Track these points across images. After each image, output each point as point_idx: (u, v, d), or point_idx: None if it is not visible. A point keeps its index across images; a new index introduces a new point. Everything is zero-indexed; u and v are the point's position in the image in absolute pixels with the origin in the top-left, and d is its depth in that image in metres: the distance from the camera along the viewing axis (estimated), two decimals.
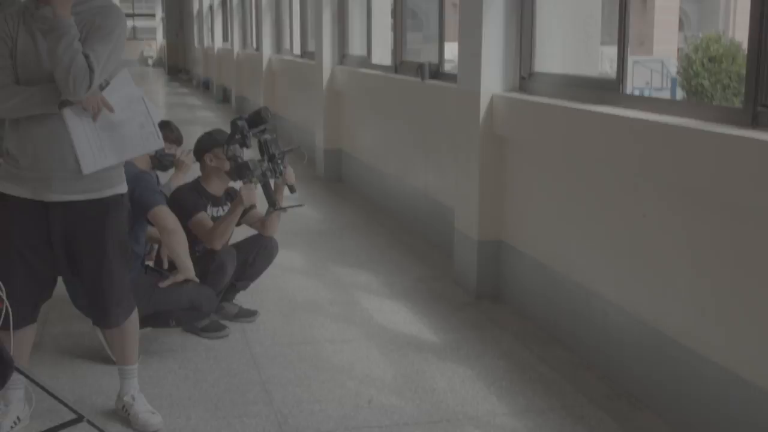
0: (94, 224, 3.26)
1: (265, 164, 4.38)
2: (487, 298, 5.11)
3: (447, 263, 5.71)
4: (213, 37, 22.42)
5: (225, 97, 19.21)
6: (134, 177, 3.78)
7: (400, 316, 4.86)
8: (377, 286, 5.43)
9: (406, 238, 6.67)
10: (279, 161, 4.42)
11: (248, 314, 4.77)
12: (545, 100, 4.59)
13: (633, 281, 3.81)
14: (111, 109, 3.18)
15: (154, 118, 3.33)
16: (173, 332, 4.45)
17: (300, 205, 4.75)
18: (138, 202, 3.85)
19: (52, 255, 3.27)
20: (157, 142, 3.36)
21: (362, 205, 7.94)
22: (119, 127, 3.22)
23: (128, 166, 3.55)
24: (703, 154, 3.27)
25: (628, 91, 4.26)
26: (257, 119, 4.42)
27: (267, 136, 4.44)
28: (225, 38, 20.61)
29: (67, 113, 3.12)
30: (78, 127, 3.14)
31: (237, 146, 4.40)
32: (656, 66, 20.98)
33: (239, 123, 4.37)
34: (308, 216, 7.34)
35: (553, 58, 5.03)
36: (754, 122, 3.20)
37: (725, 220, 3.23)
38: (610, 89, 4.16)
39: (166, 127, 4.48)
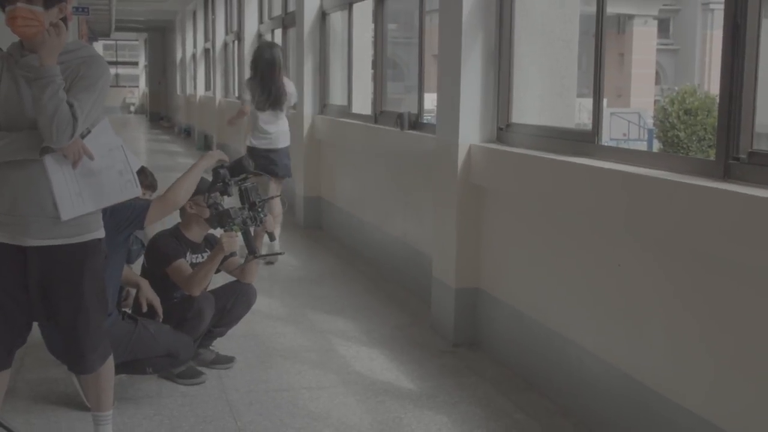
0: (72, 269, 3.26)
1: (246, 212, 4.42)
2: (465, 345, 5.13)
3: (425, 310, 5.73)
4: (195, 85, 22.54)
5: (206, 145, 19.28)
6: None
7: (377, 363, 4.86)
8: (355, 333, 5.43)
9: (385, 285, 6.69)
10: (259, 209, 4.47)
11: (225, 361, 4.76)
12: (522, 150, 4.66)
13: (608, 329, 3.85)
14: (91, 157, 3.20)
15: (133, 166, 3.36)
16: (149, 378, 4.42)
17: (280, 253, 4.79)
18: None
19: (27, 300, 3.26)
20: (134, 191, 3.39)
21: (341, 253, 7.96)
22: (98, 174, 3.24)
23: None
24: (676, 205, 3.33)
25: (604, 142, 4.34)
26: (238, 168, 4.47)
27: (248, 184, 4.49)
28: (207, 86, 20.73)
29: (48, 159, 3.14)
30: (57, 172, 3.16)
31: (218, 194, 4.45)
32: (633, 118, 21.28)
33: (221, 171, 4.42)
34: (287, 263, 7.35)
35: (530, 109, 5.12)
36: (726, 174, 3.27)
37: (698, 270, 3.29)
38: (585, 141, 4.24)
39: (140, 173, 4.52)
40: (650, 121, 20.39)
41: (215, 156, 4.08)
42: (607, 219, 3.82)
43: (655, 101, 23.58)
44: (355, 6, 8.26)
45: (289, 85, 7.90)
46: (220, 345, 4.85)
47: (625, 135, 20.40)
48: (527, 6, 5.03)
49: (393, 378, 4.64)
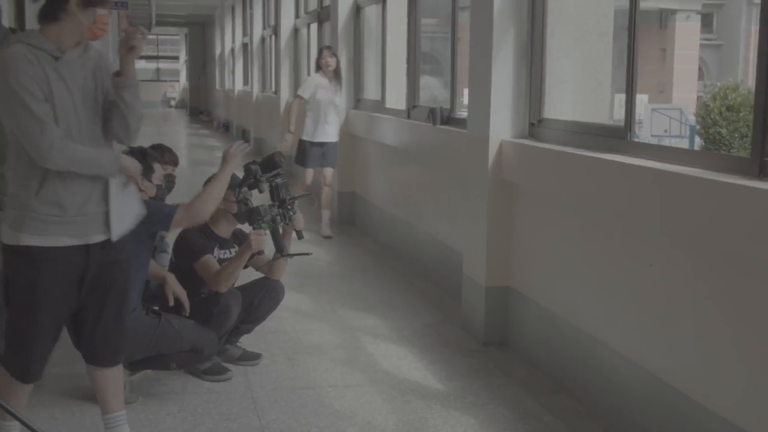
0: (126, 259, 3.35)
1: (276, 209, 4.38)
2: (494, 345, 5.05)
3: (456, 309, 5.66)
4: (234, 79, 22.63)
5: (244, 139, 19.35)
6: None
7: (405, 362, 4.81)
8: (384, 331, 5.38)
9: (417, 282, 6.63)
10: (289, 207, 4.43)
11: (252, 357, 4.73)
12: (554, 146, 4.57)
13: (639, 331, 3.75)
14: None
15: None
16: (175, 374, 4.41)
17: (308, 254, 4.75)
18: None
19: (78, 299, 3.27)
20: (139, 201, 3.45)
21: (373, 249, 7.92)
22: (127, 189, 3.32)
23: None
24: (708, 204, 3.23)
25: (644, 138, 4.24)
26: (270, 164, 4.44)
27: (279, 180, 4.46)
28: (245, 81, 20.79)
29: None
30: (114, 191, 3.23)
31: (247, 189, 4.42)
32: (675, 114, 20.90)
33: (253, 167, 4.40)
34: (318, 258, 7.32)
35: (563, 104, 5.03)
36: (762, 173, 3.17)
37: (732, 272, 3.18)
38: (618, 137, 4.14)
39: (158, 149, 4.55)
40: (692, 118, 20.04)
41: (238, 156, 4.00)
42: (640, 217, 3.72)
43: (698, 97, 23.21)
44: (390, 0, 8.20)
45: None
46: (248, 341, 4.82)
47: (666, 131, 20.08)
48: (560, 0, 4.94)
49: (421, 377, 4.58)
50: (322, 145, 8.54)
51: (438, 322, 5.59)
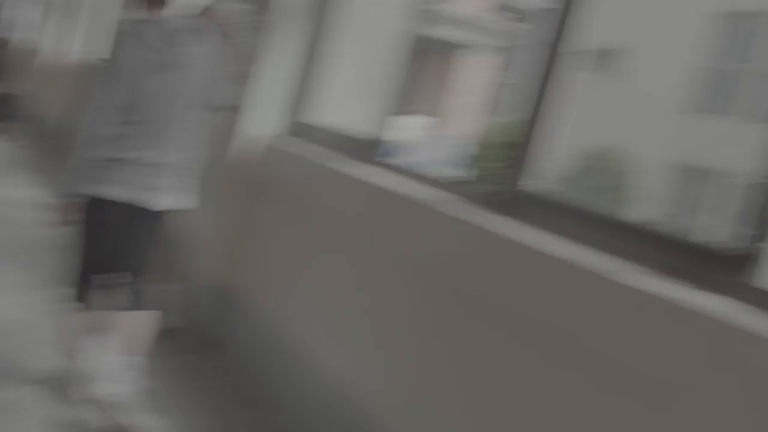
0: None
1: None
2: (209, 347, 4.76)
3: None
4: None
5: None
6: None
7: None
8: None
9: None
10: None
11: None
12: (307, 152, 4.39)
13: (345, 352, 3.61)
14: None
15: None
16: None
17: None
18: None
19: None
20: None
21: None
22: None
23: None
24: (441, 234, 3.16)
25: (408, 160, 4.18)
26: None
27: None
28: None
29: None
30: None
31: None
32: (451, 142, 21.66)
33: None
34: None
35: (333, 111, 4.87)
36: (502, 208, 3.14)
37: (441, 295, 3.10)
38: (371, 152, 4.04)
39: None
40: (468, 148, 20.78)
41: None
42: (371, 237, 3.60)
43: (476, 129, 24.13)
44: None
45: None
46: None
47: (439, 158, 20.70)
48: (348, 7, 4.80)
49: None
50: None
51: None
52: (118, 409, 3.56)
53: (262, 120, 4.75)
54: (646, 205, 17.89)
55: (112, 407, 3.55)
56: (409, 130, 4.40)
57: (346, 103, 4.99)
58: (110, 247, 3.50)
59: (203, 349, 4.75)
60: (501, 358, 2.79)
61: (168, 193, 3.49)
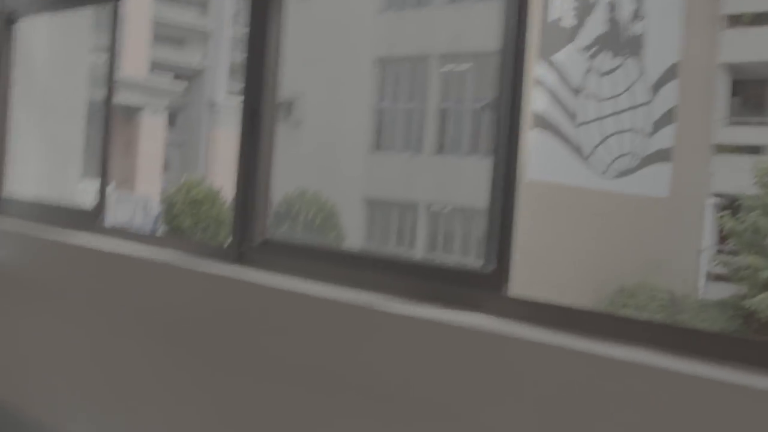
0: None
1: None
2: None
3: None
4: None
5: None
6: None
7: None
8: None
9: None
10: None
11: None
12: (18, 227, 4.19)
13: (86, 416, 3.51)
14: None
15: None
16: None
17: None
18: None
19: None
20: None
21: None
22: None
23: None
24: (186, 288, 3.20)
25: (108, 223, 4.07)
26: None
27: None
28: None
29: None
30: None
31: None
32: (140, 203, 21.24)
33: None
34: None
35: (29, 182, 4.67)
36: (239, 260, 3.23)
37: (180, 347, 3.15)
38: (90, 221, 3.95)
39: None
40: (157, 208, 20.48)
41: None
42: (97, 298, 3.56)
43: (162, 189, 23.81)
44: None
45: None
46: None
47: (131, 219, 20.24)
48: (31, 75, 4.63)
49: None
50: None
51: None
52: None
53: None
54: (356, 236, 18.74)
55: None
56: (101, 194, 4.30)
57: (40, 173, 4.83)
58: None
59: None
60: (249, 401, 2.87)
61: None
